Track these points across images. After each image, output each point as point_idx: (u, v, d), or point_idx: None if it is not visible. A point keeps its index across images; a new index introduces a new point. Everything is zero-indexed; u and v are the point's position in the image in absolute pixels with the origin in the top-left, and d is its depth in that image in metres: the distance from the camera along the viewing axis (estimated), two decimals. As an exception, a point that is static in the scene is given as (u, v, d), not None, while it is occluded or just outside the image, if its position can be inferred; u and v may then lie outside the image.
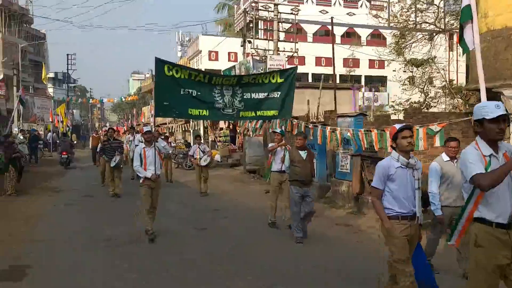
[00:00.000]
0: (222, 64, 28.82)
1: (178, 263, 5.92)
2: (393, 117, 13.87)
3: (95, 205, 10.49)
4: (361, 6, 33.87)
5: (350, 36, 33.55)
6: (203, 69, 30.85)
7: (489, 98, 8.88)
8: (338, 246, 6.80)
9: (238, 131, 20.66)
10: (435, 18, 17.54)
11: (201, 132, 24.10)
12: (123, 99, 52.93)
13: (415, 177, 3.98)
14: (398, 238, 3.86)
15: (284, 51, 17.83)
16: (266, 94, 7.96)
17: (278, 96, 8.00)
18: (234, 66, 22.68)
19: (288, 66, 21.97)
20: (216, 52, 30.18)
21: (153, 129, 8.60)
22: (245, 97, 7.76)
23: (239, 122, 16.38)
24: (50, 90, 52.28)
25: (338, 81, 27.68)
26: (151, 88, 40.13)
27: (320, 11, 32.51)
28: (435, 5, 17.84)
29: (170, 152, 11.31)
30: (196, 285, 5.18)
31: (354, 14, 33.24)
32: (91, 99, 58.42)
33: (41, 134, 30.62)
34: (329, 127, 9.96)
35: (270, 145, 8.26)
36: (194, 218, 8.80)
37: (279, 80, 8.01)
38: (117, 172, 11.35)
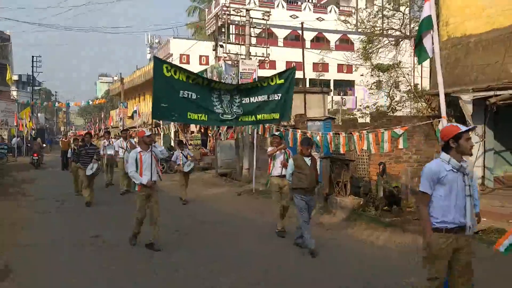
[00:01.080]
0: (193, 67, 28.75)
1: (165, 265, 6.00)
2: (360, 120, 14.34)
3: (75, 211, 10.17)
4: (330, 11, 34.65)
5: (320, 40, 34.27)
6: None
7: (449, 102, 9.45)
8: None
9: (209, 134, 20.75)
10: (400, 24, 18.27)
11: (172, 135, 23.99)
12: (90, 102, 51.76)
13: (465, 182, 3.56)
14: (436, 255, 3.53)
15: (256, 55, 18.06)
16: (266, 97, 7.63)
17: (279, 98, 7.63)
18: (206, 70, 22.74)
19: (259, 71, 22.26)
20: (188, 56, 30.13)
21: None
22: (243, 102, 7.50)
23: (210, 126, 16.45)
24: (14, 93, 50.50)
25: (308, 85, 28.25)
26: (119, 91, 39.55)
27: (290, 16, 33.04)
28: (401, 12, 18.57)
29: (166, 156, 10.47)
30: (183, 285, 5.30)
31: (323, 19, 33.97)
32: (56, 102, 56.85)
33: (4, 139, 29.60)
34: (299, 131, 10.24)
35: (269, 149, 7.93)
36: (174, 223, 8.75)
37: (279, 82, 7.67)
38: (90, 181, 10.45)
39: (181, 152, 11.26)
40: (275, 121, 8.34)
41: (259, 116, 7.66)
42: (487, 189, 9.50)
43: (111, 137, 15.10)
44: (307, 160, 6.50)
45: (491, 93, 7.78)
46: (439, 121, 6.90)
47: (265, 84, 7.72)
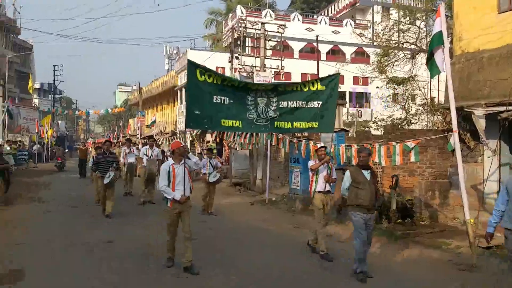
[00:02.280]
0: (209, 78, 29.21)
1: (159, 267, 6.18)
2: (374, 132, 14.35)
3: (80, 213, 10.64)
4: (345, 25, 34.79)
5: (335, 53, 34.38)
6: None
7: (463, 116, 9.45)
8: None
9: (225, 144, 20.96)
10: (416, 38, 18.30)
11: (188, 144, 24.31)
12: (110, 111, 52.80)
13: None
14: None
15: (270, 67, 18.30)
16: (304, 102, 7.08)
17: (319, 106, 7.10)
18: (221, 81, 23.06)
19: (274, 82, 22.50)
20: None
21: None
22: (280, 105, 6.97)
23: (226, 134, 16.64)
24: (36, 101, 51.89)
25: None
26: (138, 100, 40.32)
27: (306, 29, 33.29)
28: (416, 26, 18.62)
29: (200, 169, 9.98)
30: (174, 286, 5.44)
31: (339, 32, 34.11)
32: (77, 111, 58.12)
33: (26, 145, 30.41)
34: (312, 142, 10.34)
35: (310, 163, 7.32)
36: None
37: (320, 88, 7.13)
38: (110, 191, 9.93)
39: (210, 161, 10.71)
40: (313, 130, 7.76)
41: (295, 124, 7.14)
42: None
43: (133, 145, 14.97)
44: (366, 173, 5.85)
45: (503, 108, 7.78)
46: (451, 135, 6.94)
47: (305, 88, 7.15)
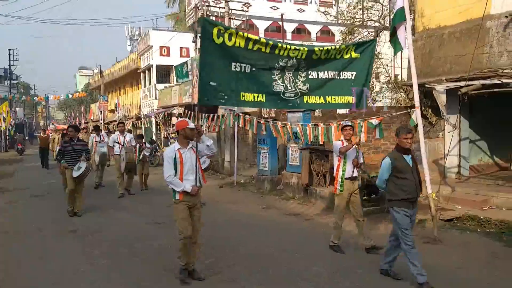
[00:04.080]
0: (174, 60, 28.51)
1: (148, 249, 6.19)
2: (339, 111, 14.46)
3: (55, 201, 10.31)
4: (310, 2, 34.64)
5: (301, 32, 34.26)
6: (154, 65, 30.39)
7: (425, 93, 9.62)
8: (290, 232, 7.19)
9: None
10: (379, 16, 18.42)
11: (153, 128, 23.81)
12: (70, 96, 50.85)
13: None
14: None
15: (235, 47, 17.99)
16: (337, 73, 6.16)
17: (353, 77, 6.22)
18: (186, 62, 22.57)
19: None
20: (168, 48, 29.77)
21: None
22: (310, 76, 6.00)
23: (192, 117, 16.33)
24: (-10, 87, 49.20)
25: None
26: (99, 84, 38.99)
27: (271, 7, 32.91)
28: (380, 3, 18.72)
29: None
30: (168, 266, 5.39)
31: (304, 10, 33.94)
32: (35, 97, 55.62)
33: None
34: (279, 122, 10.29)
35: (337, 144, 6.13)
36: (153, 213, 8.81)
37: (354, 55, 6.23)
38: (79, 186, 8.67)
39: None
40: (349, 106, 6.69)
41: (328, 99, 6.20)
42: (462, 178, 9.74)
43: (102, 133, 13.74)
44: (408, 160, 4.80)
45: (463, 83, 7.95)
46: (413, 111, 7.04)
47: (338, 56, 6.18)
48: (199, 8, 19.05)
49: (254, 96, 5.56)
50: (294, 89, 5.86)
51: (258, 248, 6.24)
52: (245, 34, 5.36)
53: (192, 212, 4.99)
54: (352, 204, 6.07)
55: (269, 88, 5.67)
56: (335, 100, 6.27)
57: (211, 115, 14.40)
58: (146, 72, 32.00)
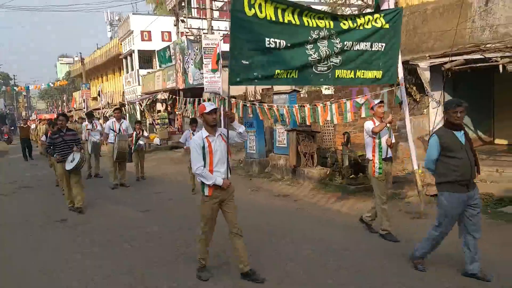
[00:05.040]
0: (156, 44, 28.02)
1: (139, 236, 6.18)
2: (325, 92, 14.47)
3: (43, 192, 10.27)
4: (292, -18, 34.23)
5: (284, 12, 33.93)
6: (135, 50, 29.83)
7: (409, 70, 9.64)
8: (279, 213, 7.22)
9: (177, 112, 20.47)
10: (362, -7, 18.32)
11: (138, 115, 23.53)
12: (51, 85, 49.79)
13: None
14: None
15: (218, 30, 17.74)
16: (368, 44, 5.66)
17: (382, 49, 5.75)
18: (168, 46, 22.20)
19: (224, 45, 21.87)
20: (149, 32, 29.19)
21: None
22: (345, 47, 5.51)
23: (178, 102, 16.16)
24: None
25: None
26: (81, 72, 38.21)
27: (252, -12, 32.43)
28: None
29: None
30: (159, 252, 5.40)
31: (286, -10, 33.56)
32: (15, 87, 54.32)
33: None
34: (266, 105, 10.25)
35: (369, 124, 5.68)
36: (140, 202, 8.76)
37: (385, 25, 5.77)
38: (74, 177, 7.94)
39: (192, 133, 9.11)
40: (377, 82, 6.19)
41: (358, 73, 5.71)
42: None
43: (95, 120, 12.67)
44: (460, 137, 4.22)
45: (446, 59, 7.98)
46: (398, 88, 7.06)
47: (368, 25, 5.67)
48: (180, -10, 18.66)
49: (288, 73, 5.13)
50: (326, 62, 5.39)
51: (246, 231, 6.25)
52: (272, 5, 4.91)
53: (225, 206, 4.46)
54: (387, 183, 5.82)
55: (304, 63, 5.24)
56: (363, 75, 5.78)
57: (196, 99, 14.31)
58: (128, 58, 31.41)
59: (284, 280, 4.40)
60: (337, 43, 5.42)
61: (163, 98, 20.52)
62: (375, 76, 5.85)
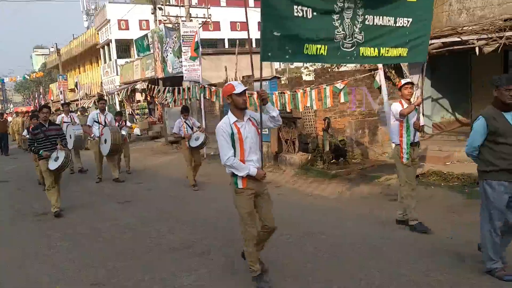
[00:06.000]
0: (134, 33, 27.48)
1: (112, 228, 6.07)
2: (305, 78, 14.45)
3: (16, 187, 10.01)
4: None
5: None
6: (113, 40, 29.21)
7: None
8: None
9: (157, 102, 20.20)
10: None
11: (117, 106, 23.14)
12: (27, 77, 48.50)
13: None
14: None
15: (197, 17, 17.46)
16: (392, 19, 5.17)
17: (408, 25, 5.29)
18: (146, 35, 21.78)
19: (203, 33, 21.56)
20: (126, 21, 28.59)
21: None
22: (366, 22, 5.06)
23: (160, 92, 15.90)
24: None
25: (254, 45, 27.86)
26: (57, 63, 37.26)
27: (231, -26, 32.00)
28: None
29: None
30: (131, 244, 5.33)
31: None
32: (-11, 79, 52.66)
33: None
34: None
35: (395, 106, 5.32)
36: (118, 193, 8.64)
37: None
38: (58, 178, 7.26)
39: (185, 122, 8.67)
40: (402, 60, 5.66)
41: (382, 51, 5.24)
42: (426, 135, 10.01)
43: (73, 111, 12.01)
44: (510, 119, 3.73)
45: (424, 42, 8.02)
46: (376, 72, 7.07)
47: None
48: (156, -23, 18.26)
49: (317, 48, 4.63)
50: (351, 38, 4.92)
51: (227, 218, 6.25)
52: None
53: (259, 200, 3.93)
54: (412, 168, 5.34)
55: (331, 37, 4.73)
56: (388, 53, 5.26)
57: (176, 88, 14.12)
58: (105, 47, 30.77)
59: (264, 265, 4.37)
60: (359, 15, 4.93)
61: (142, 87, 20.20)
62: (400, 54, 5.35)
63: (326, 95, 7.76)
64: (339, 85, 7.61)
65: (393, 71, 10.16)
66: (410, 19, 5.26)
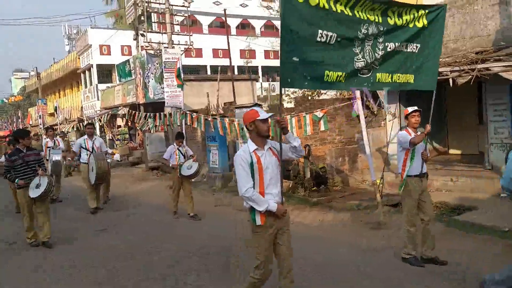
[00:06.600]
0: (115, 58, 27.52)
1: (78, 260, 5.85)
2: (286, 105, 14.65)
3: None
4: (253, -3, 34.77)
5: (245, 27, 34.32)
6: (94, 65, 29.14)
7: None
8: (243, 227, 7.14)
9: (137, 127, 20.08)
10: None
11: (97, 131, 22.87)
12: (6, 101, 47.68)
13: None
14: None
15: (179, 44, 17.64)
16: (404, 45, 5.07)
17: (416, 51, 5.17)
18: (128, 60, 21.83)
19: (185, 59, 21.70)
20: (108, 46, 28.65)
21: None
22: (388, 48, 4.90)
23: (136, 117, 15.83)
24: None
25: (236, 72, 28.24)
26: (37, 87, 36.84)
27: (213, 2, 32.64)
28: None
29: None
30: (99, 277, 5.11)
31: (247, 5, 33.99)
32: (-35, 102, 51.60)
33: None
34: (227, 119, 10.23)
35: (402, 135, 5.06)
36: (98, 220, 8.44)
37: (424, 23, 5.13)
38: (41, 206, 6.66)
39: (178, 149, 8.35)
40: (409, 86, 5.41)
41: (395, 77, 5.10)
42: (404, 163, 10.18)
43: (57, 137, 11.41)
44: None
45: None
46: (354, 102, 7.24)
47: (411, 23, 5.03)
48: (139, 4, 18.46)
49: (337, 76, 4.46)
50: (371, 64, 4.79)
51: (210, 242, 6.17)
52: None
53: (278, 238, 3.58)
54: (421, 205, 4.99)
55: (350, 65, 4.59)
56: (399, 79, 5.09)
57: (157, 114, 14.09)
58: (86, 72, 30.65)
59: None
60: (379, 42, 4.82)
61: (123, 113, 20.08)
62: (408, 80, 5.25)
63: (306, 123, 7.88)
64: (319, 113, 7.74)
65: (371, 100, 10.41)
66: (419, 45, 5.19)
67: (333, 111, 9.87)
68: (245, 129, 5.30)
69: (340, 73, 4.45)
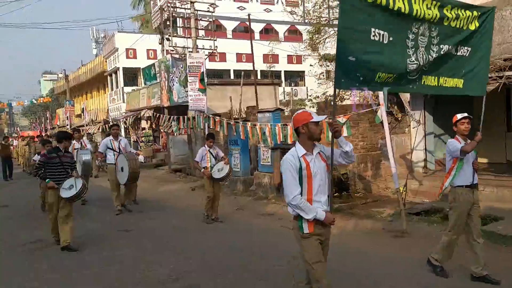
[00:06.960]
0: (141, 62, 28.07)
1: (100, 260, 5.97)
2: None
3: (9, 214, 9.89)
4: (277, 2, 34.85)
5: (268, 32, 34.41)
6: (120, 68, 29.78)
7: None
8: (263, 232, 7.18)
9: (162, 130, 20.40)
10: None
11: (122, 132, 23.35)
12: (35, 102, 49.24)
13: None
14: None
15: (203, 48, 17.87)
16: (454, 48, 4.83)
17: (467, 54, 4.92)
18: (153, 64, 22.25)
19: (209, 63, 21.90)
20: (134, 50, 29.26)
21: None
22: (442, 51, 4.66)
23: (165, 120, 16.08)
24: None
25: (259, 76, 28.36)
26: (65, 89, 37.92)
27: (238, 7, 32.91)
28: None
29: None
30: (119, 278, 5.24)
31: (271, 10, 34.11)
32: (-3, 103, 53.53)
33: None
34: (249, 123, 10.30)
35: (453, 143, 4.69)
36: (119, 221, 8.63)
37: (476, 25, 4.92)
38: (63, 209, 6.56)
39: (209, 150, 8.15)
40: (457, 92, 5.16)
41: (441, 80, 4.86)
42: (429, 171, 10.02)
43: (84, 138, 11.70)
44: None
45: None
46: (378, 108, 7.18)
47: (465, 25, 4.82)
48: (165, 9, 18.82)
49: (387, 77, 4.24)
50: (422, 66, 4.53)
51: (228, 252, 6.21)
52: None
53: (324, 250, 3.44)
54: (469, 219, 4.65)
55: (403, 66, 4.34)
56: (446, 83, 4.87)
57: (181, 117, 14.29)
58: (113, 75, 31.35)
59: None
60: (433, 44, 4.55)
61: (147, 115, 20.45)
62: (456, 84, 4.98)
63: (328, 129, 7.84)
64: (342, 119, 7.71)
65: (396, 106, 10.30)
66: (470, 48, 4.96)
67: (356, 116, 9.80)
68: (293, 132, 4.71)
69: (390, 75, 4.26)
